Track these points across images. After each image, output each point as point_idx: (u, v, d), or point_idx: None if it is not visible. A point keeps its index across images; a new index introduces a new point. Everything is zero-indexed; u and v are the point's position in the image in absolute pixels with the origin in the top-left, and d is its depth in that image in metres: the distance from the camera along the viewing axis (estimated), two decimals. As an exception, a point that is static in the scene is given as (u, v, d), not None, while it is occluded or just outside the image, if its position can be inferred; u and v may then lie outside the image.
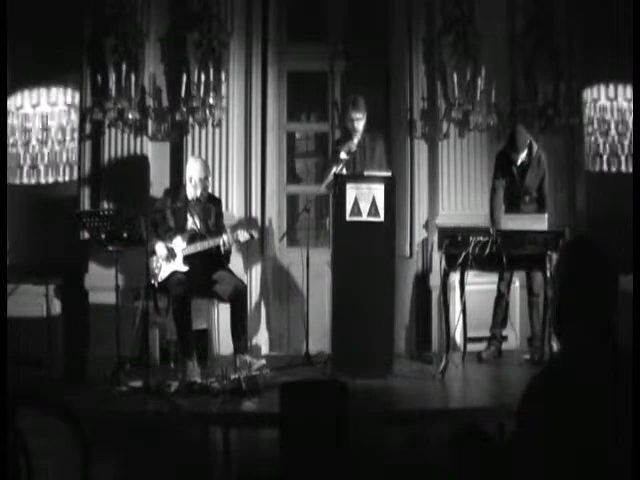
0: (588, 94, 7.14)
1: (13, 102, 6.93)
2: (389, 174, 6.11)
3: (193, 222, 6.19)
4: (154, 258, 5.99)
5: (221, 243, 5.94)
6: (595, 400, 2.07)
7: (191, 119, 6.75)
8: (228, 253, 6.12)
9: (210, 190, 6.41)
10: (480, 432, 2.41)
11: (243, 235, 5.98)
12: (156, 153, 6.93)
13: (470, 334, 6.47)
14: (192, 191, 6.11)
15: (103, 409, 5.04)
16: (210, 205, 6.25)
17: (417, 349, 6.91)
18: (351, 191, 5.91)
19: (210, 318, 6.45)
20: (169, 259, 6.00)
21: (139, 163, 6.87)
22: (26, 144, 6.98)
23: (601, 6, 6.88)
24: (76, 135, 6.96)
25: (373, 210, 5.90)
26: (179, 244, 6.04)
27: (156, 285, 5.99)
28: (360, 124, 6.34)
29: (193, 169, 6.17)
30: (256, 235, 6.21)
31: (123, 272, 6.09)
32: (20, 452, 2.75)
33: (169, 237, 6.08)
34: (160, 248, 6.00)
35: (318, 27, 7.39)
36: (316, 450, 3.84)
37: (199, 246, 6.00)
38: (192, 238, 6.08)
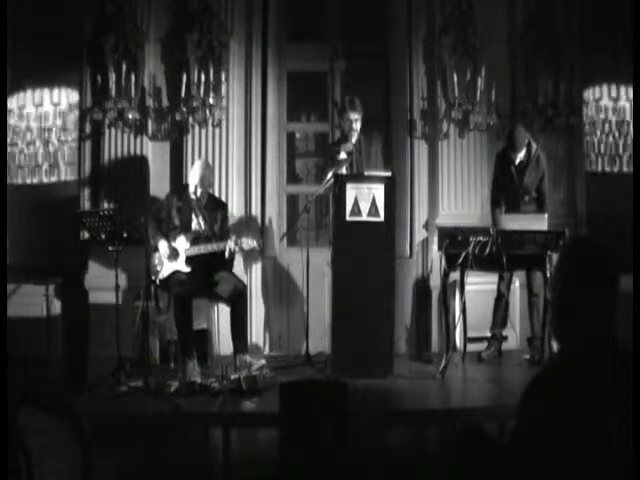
0: (588, 94, 7.14)
1: (13, 102, 6.93)
2: (389, 174, 6.11)
3: (197, 223, 6.18)
4: (156, 255, 5.99)
5: (227, 252, 5.93)
6: (595, 400, 2.07)
7: (191, 119, 6.76)
8: (232, 259, 6.13)
9: (210, 190, 6.40)
10: (480, 432, 2.41)
11: (247, 243, 5.97)
12: (156, 153, 6.93)
13: (470, 334, 6.47)
14: (196, 193, 6.12)
15: (103, 409, 5.04)
16: (217, 209, 6.26)
17: (417, 349, 6.91)
18: (351, 191, 5.91)
19: (210, 318, 6.45)
20: (172, 258, 6.00)
21: (139, 163, 6.88)
22: (26, 144, 6.98)
23: (601, 6, 6.88)
24: (76, 135, 6.96)
25: (373, 210, 5.90)
26: (183, 244, 6.05)
27: (157, 282, 5.99)
28: (357, 124, 6.37)
29: (196, 171, 6.18)
30: (259, 246, 6.20)
31: (123, 272, 6.09)
32: (20, 452, 2.75)
33: (173, 236, 6.08)
34: (163, 246, 6.00)
35: (318, 27, 7.39)
36: (316, 450, 3.84)
37: (202, 249, 5.99)
38: (196, 239, 6.08)
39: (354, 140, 6.37)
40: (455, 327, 6.36)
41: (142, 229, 5.85)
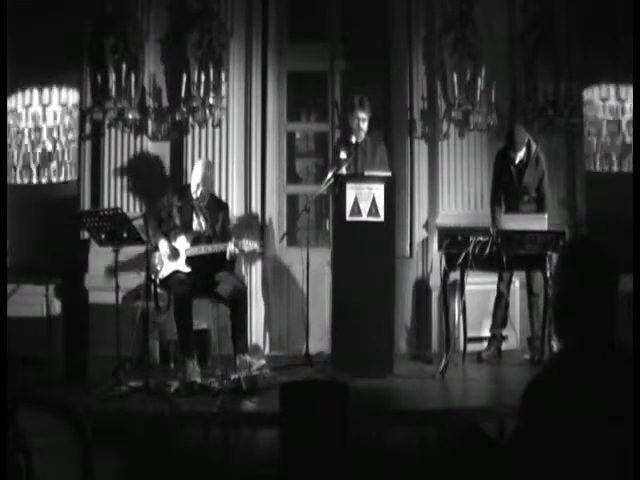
0: (588, 94, 7.14)
1: (13, 102, 6.93)
2: (389, 174, 6.11)
3: (198, 223, 6.18)
4: (156, 254, 5.99)
5: (227, 255, 5.92)
6: (595, 400, 2.07)
7: (191, 119, 6.76)
8: (233, 261, 6.13)
9: (212, 190, 6.39)
10: (480, 432, 2.41)
11: (248, 245, 5.96)
12: (156, 153, 6.93)
13: (470, 334, 6.47)
14: (197, 192, 6.12)
15: (103, 409, 5.04)
16: (219, 210, 6.25)
17: (417, 349, 6.91)
18: (351, 191, 5.91)
19: (210, 318, 6.45)
20: (172, 258, 6.00)
21: (139, 163, 6.88)
22: (26, 144, 6.98)
23: (601, 6, 6.88)
24: (76, 135, 6.97)
25: (373, 210, 5.90)
26: (183, 244, 6.04)
27: (157, 281, 5.99)
28: (365, 124, 6.36)
29: (197, 170, 6.19)
30: (260, 248, 6.19)
31: (123, 272, 6.08)
32: (20, 452, 2.75)
33: (173, 235, 6.08)
34: (163, 246, 5.99)
35: (318, 27, 7.39)
36: (316, 450, 3.84)
37: (203, 249, 5.99)
38: (196, 239, 6.08)
39: (360, 139, 6.36)
40: (455, 327, 6.37)
41: (142, 227, 5.83)
